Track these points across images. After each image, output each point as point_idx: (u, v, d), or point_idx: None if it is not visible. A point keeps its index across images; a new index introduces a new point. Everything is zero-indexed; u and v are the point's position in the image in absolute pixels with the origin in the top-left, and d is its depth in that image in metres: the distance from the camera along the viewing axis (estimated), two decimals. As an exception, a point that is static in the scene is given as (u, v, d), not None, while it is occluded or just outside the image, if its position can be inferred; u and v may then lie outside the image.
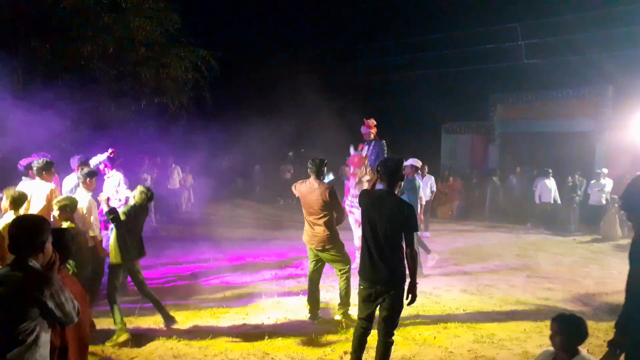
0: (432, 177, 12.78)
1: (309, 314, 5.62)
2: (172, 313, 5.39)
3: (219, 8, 21.25)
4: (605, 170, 12.94)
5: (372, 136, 7.86)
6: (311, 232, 5.45)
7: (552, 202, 13.15)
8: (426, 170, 12.45)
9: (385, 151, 7.76)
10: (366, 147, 7.54)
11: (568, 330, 2.86)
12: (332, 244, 5.39)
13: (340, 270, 5.51)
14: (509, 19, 14.97)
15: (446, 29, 17.28)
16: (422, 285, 5.41)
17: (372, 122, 7.88)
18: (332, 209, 5.36)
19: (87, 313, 3.26)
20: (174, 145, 15.71)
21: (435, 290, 6.91)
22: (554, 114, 15.11)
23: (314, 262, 5.60)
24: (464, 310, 6.09)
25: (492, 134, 16.51)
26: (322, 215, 5.34)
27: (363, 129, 7.90)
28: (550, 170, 13.07)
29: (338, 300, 5.66)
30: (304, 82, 23.71)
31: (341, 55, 22.31)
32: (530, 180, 14.37)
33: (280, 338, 5.04)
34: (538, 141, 16.20)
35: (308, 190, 5.40)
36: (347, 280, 5.52)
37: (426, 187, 11.54)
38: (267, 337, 5.04)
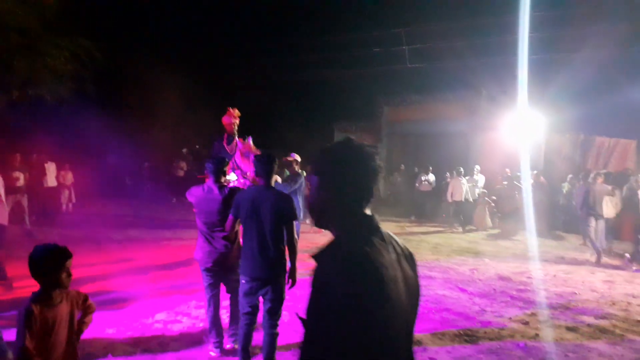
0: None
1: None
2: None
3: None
4: (478, 167, 14.25)
5: (235, 127, 7.35)
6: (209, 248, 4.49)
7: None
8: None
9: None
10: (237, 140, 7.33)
11: None
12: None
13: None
14: (395, 24, 15.89)
15: (338, 33, 17.90)
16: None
17: (237, 112, 7.39)
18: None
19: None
20: (51, 140, 14.55)
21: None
22: (435, 115, 16.32)
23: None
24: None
25: (379, 134, 17.41)
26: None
27: (225, 119, 7.31)
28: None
29: None
30: (195, 78, 23.20)
31: (235, 52, 22.10)
32: (411, 177, 15.46)
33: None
34: (421, 141, 17.41)
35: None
36: None
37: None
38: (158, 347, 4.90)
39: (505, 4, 13.72)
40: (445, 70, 16.56)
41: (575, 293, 7.02)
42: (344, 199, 1.42)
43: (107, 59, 14.76)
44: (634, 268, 8.82)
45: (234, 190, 4.50)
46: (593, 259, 9.34)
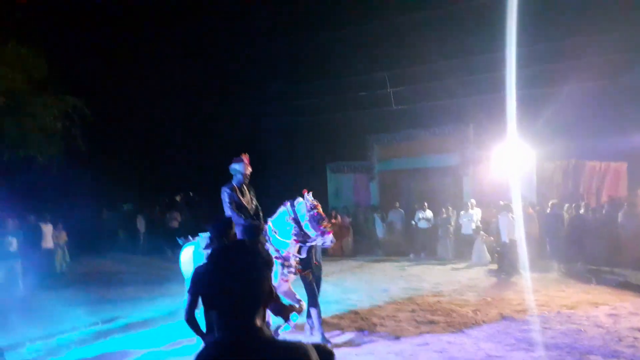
0: None
1: None
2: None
3: (90, 54, 20.31)
4: (473, 201, 14.25)
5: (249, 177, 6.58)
6: None
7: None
8: None
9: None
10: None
11: None
12: None
13: None
14: (379, 68, 16.25)
15: (326, 78, 18.34)
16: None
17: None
18: None
19: None
20: (45, 200, 14.49)
21: (330, 338, 6.94)
22: (424, 150, 16.44)
23: None
24: (356, 354, 6.24)
25: (372, 172, 17.47)
26: None
27: (241, 166, 6.42)
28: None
29: None
30: (185, 125, 23.41)
31: (227, 98, 22.37)
32: (408, 214, 15.41)
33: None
34: (413, 176, 17.45)
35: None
36: None
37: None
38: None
39: (492, 40, 14.07)
40: (432, 107, 16.81)
41: (581, 330, 6.89)
42: None
43: (96, 114, 14.84)
44: None
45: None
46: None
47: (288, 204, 6.31)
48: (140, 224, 17.82)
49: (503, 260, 11.51)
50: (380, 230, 15.70)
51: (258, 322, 1.59)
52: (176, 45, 23.92)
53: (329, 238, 6.18)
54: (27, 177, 13.69)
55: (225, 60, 21.67)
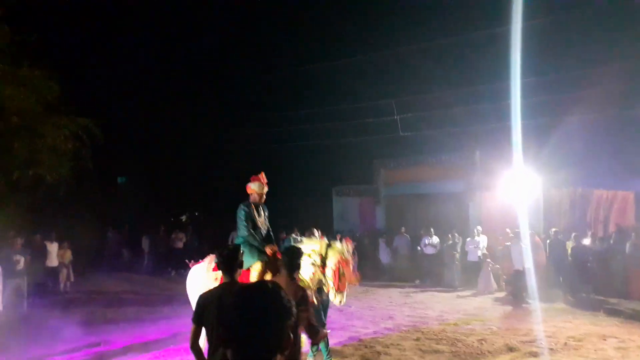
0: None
1: None
2: None
3: (103, 74, 20.71)
4: (479, 228, 14.17)
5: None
6: None
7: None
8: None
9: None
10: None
11: None
12: None
13: None
14: (386, 95, 16.47)
15: (334, 103, 18.62)
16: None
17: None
18: None
19: None
20: (51, 219, 14.58)
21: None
22: (430, 176, 16.44)
23: None
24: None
25: (377, 196, 17.46)
26: None
27: (257, 187, 6.27)
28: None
29: None
30: (192, 147, 23.61)
31: (233, 121, 22.63)
32: (414, 240, 15.34)
33: None
34: (419, 202, 17.44)
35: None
36: None
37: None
38: None
39: (498, 70, 14.22)
40: (439, 133, 16.90)
41: (589, 364, 6.78)
42: None
43: (104, 134, 15.00)
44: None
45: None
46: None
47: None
48: (145, 243, 17.83)
49: (513, 289, 11.42)
50: (384, 256, 15.62)
51: None
52: (184, 69, 24.32)
53: (340, 297, 5.85)
54: (35, 196, 13.77)
55: (235, 84, 22.01)
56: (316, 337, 4.17)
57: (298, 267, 4.17)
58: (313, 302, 4.93)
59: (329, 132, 18.65)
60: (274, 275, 5.66)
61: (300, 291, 3.98)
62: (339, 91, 19.93)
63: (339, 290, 5.81)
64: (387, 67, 18.15)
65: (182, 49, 24.09)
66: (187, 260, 6.80)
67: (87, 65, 19.81)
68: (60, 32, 16.30)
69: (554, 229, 12.75)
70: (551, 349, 7.50)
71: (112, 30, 21.76)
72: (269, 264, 5.82)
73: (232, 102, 23.50)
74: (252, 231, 6.08)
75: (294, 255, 4.17)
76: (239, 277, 5.67)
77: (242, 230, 6.08)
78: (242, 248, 5.94)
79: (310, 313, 4.08)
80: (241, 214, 6.11)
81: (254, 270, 5.86)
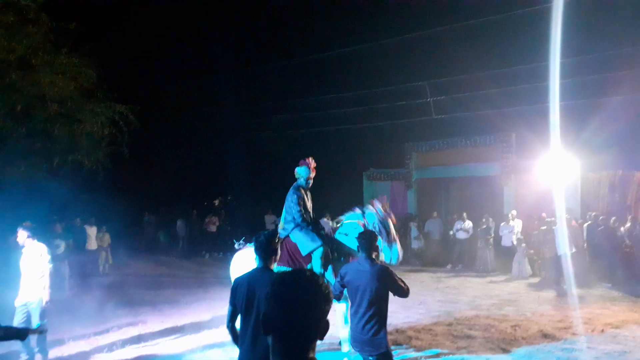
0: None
1: None
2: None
3: (140, 61, 21.06)
4: (514, 212, 13.91)
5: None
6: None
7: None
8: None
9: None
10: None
11: None
12: None
13: None
14: (419, 77, 16.17)
15: (365, 86, 18.41)
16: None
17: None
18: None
19: None
20: (89, 204, 15.03)
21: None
22: (464, 159, 16.12)
23: None
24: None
25: (409, 180, 17.28)
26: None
27: (305, 170, 6.23)
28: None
29: None
30: (227, 132, 23.85)
31: (264, 106, 22.69)
32: (446, 224, 15.18)
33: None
34: (451, 185, 17.18)
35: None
36: None
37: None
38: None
39: (536, 50, 13.77)
40: (473, 116, 16.53)
41: (626, 352, 6.62)
42: None
43: (141, 120, 15.32)
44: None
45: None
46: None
47: (358, 210, 6.19)
48: (180, 228, 18.24)
49: (551, 274, 11.22)
50: (415, 240, 15.53)
51: (311, 354, 1.62)
52: (222, 54, 24.42)
53: (396, 251, 5.96)
54: (75, 181, 14.21)
55: (267, 69, 22.04)
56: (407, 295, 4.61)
57: (376, 249, 4.39)
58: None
59: (361, 116, 18.52)
60: (332, 258, 5.81)
61: (384, 270, 4.30)
62: (371, 74, 19.71)
63: (394, 240, 5.98)
64: (420, 49, 17.79)
65: (216, 35, 24.18)
66: (235, 241, 6.91)
67: (124, 52, 20.12)
68: (99, 20, 16.58)
69: (593, 213, 12.38)
70: (587, 336, 7.35)
71: (150, 17, 21.98)
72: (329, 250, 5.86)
73: (265, 88, 23.56)
74: (305, 214, 6.06)
75: (371, 238, 4.37)
76: (305, 263, 5.79)
77: (297, 215, 6.03)
78: (296, 232, 5.99)
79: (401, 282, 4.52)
80: (293, 197, 6.08)
81: (315, 255, 5.86)
